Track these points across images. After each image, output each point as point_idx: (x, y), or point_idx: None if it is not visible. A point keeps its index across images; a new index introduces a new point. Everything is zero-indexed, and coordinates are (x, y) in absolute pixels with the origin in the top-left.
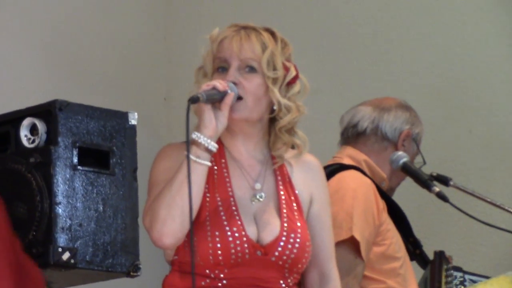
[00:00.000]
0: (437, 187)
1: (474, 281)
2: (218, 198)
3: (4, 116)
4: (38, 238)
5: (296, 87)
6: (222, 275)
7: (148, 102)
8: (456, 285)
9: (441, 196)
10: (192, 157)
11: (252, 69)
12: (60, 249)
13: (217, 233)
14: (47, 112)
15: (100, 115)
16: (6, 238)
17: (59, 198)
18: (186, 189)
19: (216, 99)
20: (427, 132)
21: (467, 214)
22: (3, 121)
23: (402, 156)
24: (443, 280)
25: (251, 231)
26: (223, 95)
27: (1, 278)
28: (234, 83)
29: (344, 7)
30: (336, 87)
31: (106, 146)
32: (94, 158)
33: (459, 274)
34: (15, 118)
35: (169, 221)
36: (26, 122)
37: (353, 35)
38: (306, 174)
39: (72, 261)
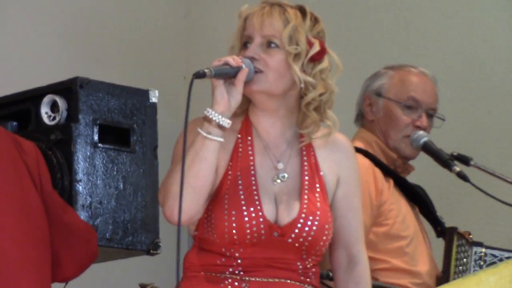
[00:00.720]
0: (458, 167)
1: (495, 256)
2: (240, 176)
3: (25, 93)
4: None
5: (323, 63)
6: (237, 254)
7: (168, 80)
8: (476, 260)
9: (461, 176)
10: (203, 133)
11: (274, 45)
12: None
13: (233, 212)
14: (68, 89)
15: (121, 92)
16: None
17: (80, 175)
18: (197, 166)
19: (229, 74)
20: (447, 112)
21: (488, 194)
22: (24, 98)
23: (422, 136)
24: (453, 256)
25: (269, 212)
26: (236, 70)
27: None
28: (254, 58)
29: None
30: (354, 69)
31: (126, 123)
32: (114, 135)
33: (479, 249)
34: (36, 95)
35: (182, 198)
36: (47, 99)
37: (373, 18)
38: (334, 155)
39: None
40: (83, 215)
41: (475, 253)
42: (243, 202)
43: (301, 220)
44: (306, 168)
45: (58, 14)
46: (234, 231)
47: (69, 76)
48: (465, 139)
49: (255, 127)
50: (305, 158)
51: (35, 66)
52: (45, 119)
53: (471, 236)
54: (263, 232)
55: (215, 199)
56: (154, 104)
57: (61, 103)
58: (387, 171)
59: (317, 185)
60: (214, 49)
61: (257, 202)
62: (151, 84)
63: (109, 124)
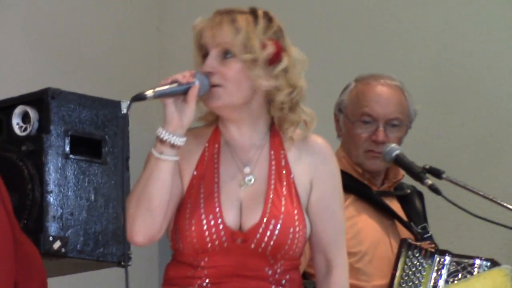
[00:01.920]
0: (430, 180)
1: (458, 263)
2: (202, 185)
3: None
4: (29, 226)
5: (283, 63)
6: (203, 263)
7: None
8: (438, 269)
9: (433, 189)
10: (155, 153)
11: (229, 55)
12: (51, 238)
13: (193, 221)
14: (40, 100)
15: (93, 103)
16: (10, 215)
17: (51, 186)
18: (151, 188)
19: (178, 91)
20: (419, 125)
21: (460, 207)
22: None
23: (394, 149)
24: (400, 267)
25: (232, 218)
26: (187, 87)
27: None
28: (211, 73)
29: (343, 1)
30: (330, 78)
31: (98, 135)
32: (86, 147)
33: (442, 258)
34: (7, 106)
35: (137, 220)
36: (18, 110)
37: (347, 27)
38: (308, 157)
39: (63, 250)
40: (54, 226)
41: (438, 261)
42: (202, 210)
43: (263, 225)
44: (273, 171)
45: (30, 25)
46: (195, 240)
47: (41, 87)
48: (438, 152)
49: (223, 135)
50: (273, 161)
51: (6, 77)
52: (17, 130)
53: (432, 246)
54: (224, 239)
55: (179, 209)
56: (126, 115)
57: (33, 114)
58: (347, 187)
59: (284, 189)
60: (187, 61)
61: (217, 209)
62: (123, 96)
63: (80, 135)
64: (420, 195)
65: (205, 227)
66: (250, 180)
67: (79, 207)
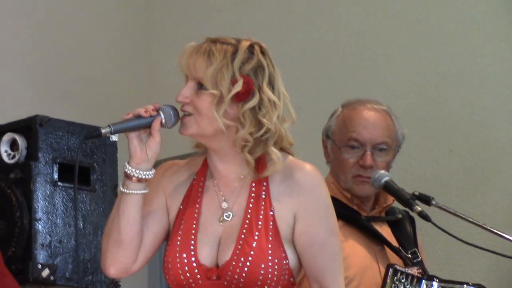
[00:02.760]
0: (419, 207)
1: None
2: (183, 221)
3: None
4: (18, 254)
5: (252, 101)
6: None
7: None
8: None
9: (423, 216)
10: (121, 188)
11: (203, 87)
12: (39, 266)
13: (169, 259)
14: (28, 127)
15: (81, 131)
16: None
17: (39, 214)
18: (118, 222)
19: (143, 125)
20: (408, 151)
21: (449, 234)
22: None
23: (384, 175)
24: None
25: (207, 255)
26: (151, 120)
27: None
28: (184, 102)
29: (325, 25)
30: (317, 104)
31: (86, 162)
32: (74, 174)
33: (430, 283)
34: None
35: (108, 253)
36: (6, 137)
37: (334, 53)
38: (292, 189)
39: (52, 278)
40: (42, 254)
41: (426, 286)
42: (177, 249)
43: (233, 262)
44: (250, 206)
45: (19, 51)
46: (172, 278)
47: (30, 114)
48: (427, 178)
49: (209, 168)
50: (253, 195)
51: None
52: (5, 158)
53: (419, 271)
54: (198, 276)
55: (166, 244)
56: (114, 143)
57: (21, 141)
58: (336, 213)
59: (260, 223)
60: (175, 86)
61: (192, 247)
62: (112, 122)
63: (69, 162)
64: (412, 220)
65: (179, 265)
66: (228, 216)
67: (68, 235)
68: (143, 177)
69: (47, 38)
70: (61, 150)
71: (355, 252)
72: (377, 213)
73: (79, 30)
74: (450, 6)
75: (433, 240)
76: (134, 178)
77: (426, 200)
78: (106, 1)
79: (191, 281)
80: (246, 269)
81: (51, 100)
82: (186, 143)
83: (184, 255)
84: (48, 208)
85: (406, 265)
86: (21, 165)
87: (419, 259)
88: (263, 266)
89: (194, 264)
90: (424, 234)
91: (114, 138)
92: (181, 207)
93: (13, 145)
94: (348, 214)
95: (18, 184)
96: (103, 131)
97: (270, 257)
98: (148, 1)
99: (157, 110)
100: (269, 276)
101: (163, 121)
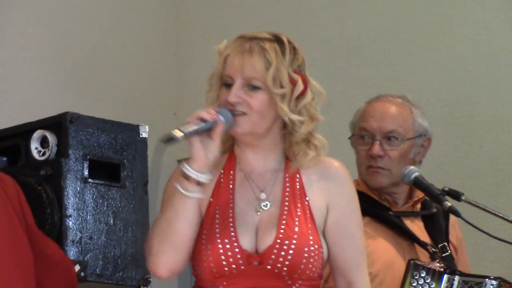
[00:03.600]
0: (449, 202)
1: (466, 282)
2: (218, 211)
3: (15, 129)
4: None
5: (307, 97)
6: (221, 287)
7: (158, 116)
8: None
9: (452, 211)
10: (181, 190)
11: (255, 87)
12: None
13: (209, 246)
14: (58, 124)
15: (111, 127)
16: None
17: (70, 211)
18: (176, 225)
19: (205, 128)
20: (438, 147)
21: (479, 229)
22: (14, 133)
23: (413, 171)
24: (406, 287)
25: (247, 241)
26: (212, 124)
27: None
28: (236, 102)
29: (354, 22)
30: (348, 101)
31: (116, 159)
32: (104, 170)
33: (452, 277)
34: (26, 130)
35: (161, 254)
36: (37, 134)
37: (364, 50)
38: (324, 181)
39: (82, 274)
40: (73, 250)
41: (447, 281)
42: (217, 235)
43: (277, 246)
44: (287, 194)
45: (48, 50)
46: (212, 265)
47: (59, 111)
48: (456, 174)
49: (238, 161)
50: (287, 185)
51: (25, 102)
52: (35, 155)
53: (441, 265)
54: (240, 262)
55: (197, 237)
56: (144, 139)
57: (51, 138)
58: (363, 209)
59: (298, 210)
60: (203, 86)
61: (232, 234)
62: (141, 120)
63: (99, 159)
64: (447, 214)
65: (221, 251)
66: (266, 205)
67: (98, 231)
68: (204, 181)
69: (77, 36)
70: (92, 147)
71: (381, 248)
72: (409, 207)
73: (109, 28)
74: (479, 4)
75: (463, 235)
76: (194, 180)
77: (455, 195)
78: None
79: (233, 266)
80: (291, 251)
81: (81, 97)
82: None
83: (226, 241)
84: (79, 204)
85: (433, 259)
86: (51, 162)
87: (448, 253)
88: (306, 249)
89: (237, 250)
90: None
91: (144, 134)
92: (211, 199)
93: (44, 142)
94: (375, 210)
95: (48, 181)
96: (178, 136)
97: (311, 242)
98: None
99: (217, 113)
100: (311, 260)
101: (225, 124)
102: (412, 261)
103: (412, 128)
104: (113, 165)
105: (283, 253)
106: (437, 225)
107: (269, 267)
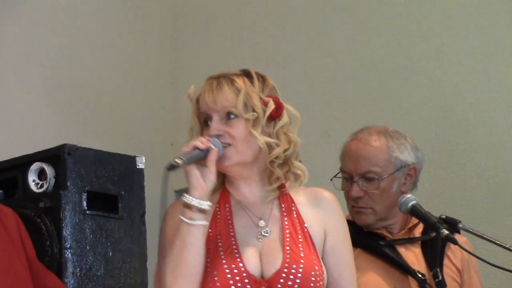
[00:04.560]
0: (446, 230)
1: None
2: (219, 239)
3: (12, 161)
4: None
5: (283, 119)
6: None
7: (155, 147)
8: None
9: (450, 239)
10: (186, 220)
11: (232, 116)
12: None
13: (215, 272)
14: (56, 156)
15: (109, 159)
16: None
17: (69, 243)
18: (186, 255)
19: (200, 157)
20: (435, 176)
21: (477, 257)
22: (11, 166)
23: (410, 199)
24: None
25: (253, 267)
26: (206, 152)
27: None
28: (218, 135)
29: (350, 51)
30: (345, 129)
31: (114, 190)
32: (102, 202)
33: None
34: (23, 163)
35: (176, 286)
36: (35, 167)
37: (360, 78)
38: (318, 210)
39: None
40: (72, 282)
41: None
42: (224, 261)
43: (285, 270)
44: (286, 222)
45: (44, 81)
46: None
47: (56, 143)
48: (454, 202)
49: (233, 195)
50: (285, 213)
51: (22, 134)
52: (33, 187)
53: None
54: (248, 287)
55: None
56: (141, 170)
57: (49, 170)
58: (354, 240)
59: (300, 237)
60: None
61: (238, 259)
62: (138, 151)
63: (97, 190)
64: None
65: (228, 275)
66: (267, 232)
67: (97, 263)
68: (205, 207)
69: (74, 68)
70: (90, 178)
71: (371, 281)
72: (405, 234)
73: (107, 59)
74: (473, 32)
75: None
76: (196, 209)
77: (453, 223)
78: (131, 30)
79: None
80: (299, 275)
81: (78, 129)
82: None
83: (233, 266)
84: (78, 236)
85: (422, 287)
86: (49, 194)
87: (439, 279)
88: (312, 273)
89: (245, 274)
90: None
91: (140, 165)
92: (210, 231)
93: (41, 174)
94: (366, 241)
95: (47, 213)
96: (179, 162)
97: (316, 267)
98: (174, 30)
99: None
100: (318, 285)
101: (219, 152)
102: (425, 281)
103: (389, 164)
104: (111, 197)
105: (291, 276)
106: (434, 250)
107: None
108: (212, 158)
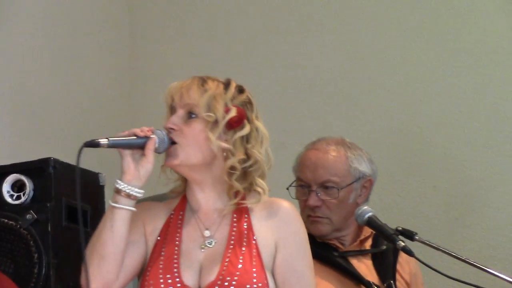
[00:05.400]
0: (403, 242)
1: None
2: (163, 249)
3: None
4: None
5: (244, 130)
6: None
7: (115, 163)
8: None
9: (406, 251)
10: (111, 203)
11: (193, 115)
12: None
13: (151, 281)
14: (37, 169)
15: (82, 174)
16: None
17: (56, 255)
18: (104, 236)
19: (135, 144)
20: (392, 187)
21: (432, 268)
22: None
23: (367, 211)
24: None
25: (190, 278)
26: (145, 140)
27: None
28: (172, 129)
29: (308, 60)
30: (301, 140)
31: (85, 206)
32: (75, 215)
33: None
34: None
35: (91, 267)
36: (11, 178)
37: (318, 90)
38: (271, 221)
39: None
40: None
41: None
42: (160, 271)
43: (219, 282)
44: (233, 233)
45: (4, 94)
46: None
47: (15, 157)
48: (410, 214)
49: (189, 201)
50: (235, 224)
51: None
52: (7, 198)
53: None
54: None
55: (142, 274)
56: (102, 187)
57: (28, 183)
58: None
59: (243, 249)
60: (158, 126)
61: (175, 270)
62: (97, 166)
63: (72, 205)
64: (396, 251)
65: (162, 285)
66: (211, 243)
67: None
68: (134, 193)
69: (32, 79)
70: (67, 193)
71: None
72: (357, 246)
73: (62, 71)
74: (432, 44)
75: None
76: (124, 193)
77: (409, 235)
78: (90, 41)
79: None
80: (232, 287)
81: (35, 142)
82: (161, 185)
83: (168, 276)
84: (63, 248)
85: None
86: (35, 207)
87: None
88: (248, 287)
89: (179, 285)
90: None
91: (102, 182)
92: (159, 238)
93: (15, 186)
94: (321, 252)
95: (34, 225)
96: (101, 141)
97: (254, 280)
98: (132, 41)
99: (152, 132)
100: None
101: (157, 142)
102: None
103: (348, 174)
104: (83, 212)
105: None
106: (385, 263)
107: None
108: (149, 146)
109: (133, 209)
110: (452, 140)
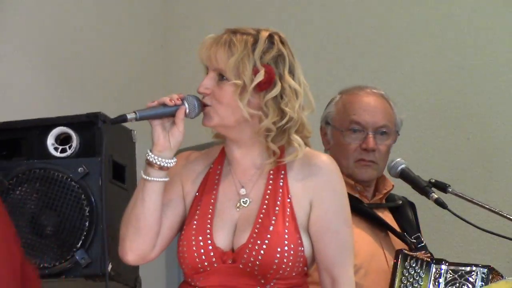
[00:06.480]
0: (436, 194)
1: (455, 271)
2: (199, 206)
3: (33, 122)
4: (85, 248)
5: (274, 90)
6: (198, 283)
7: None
8: (435, 278)
9: (439, 203)
10: (142, 175)
11: (224, 78)
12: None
13: (185, 242)
14: (87, 123)
15: (117, 131)
16: (11, 242)
17: (103, 207)
18: (138, 209)
19: (165, 114)
20: (425, 140)
21: (466, 221)
22: (31, 126)
23: (400, 163)
24: (398, 277)
25: (222, 239)
26: (175, 109)
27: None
28: (205, 93)
29: (343, 15)
30: (335, 93)
31: (123, 161)
32: (118, 172)
33: (439, 267)
34: (41, 125)
35: (126, 239)
36: (56, 131)
37: (352, 45)
38: (309, 178)
39: (113, 273)
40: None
41: (435, 271)
42: (193, 232)
43: (250, 245)
44: (268, 192)
45: (36, 50)
46: (187, 261)
47: (51, 110)
48: (443, 166)
49: (227, 156)
50: (270, 182)
51: (17, 101)
52: (52, 151)
53: (427, 255)
54: (213, 260)
55: (181, 231)
56: (133, 144)
57: (75, 136)
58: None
59: (277, 209)
60: (191, 80)
61: (208, 231)
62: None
63: (117, 160)
64: (412, 206)
65: (194, 248)
66: (246, 202)
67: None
68: (165, 165)
69: (63, 32)
70: (114, 148)
71: (361, 239)
72: (378, 200)
73: (97, 25)
74: None
75: (450, 227)
76: (156, 165)
77: (442, 187)
78: None
79: (206, 264)
80: (262, 251)
81: (68, 96)
82: (206, 133)
83: (200, 238)
84: (112, 202)
85: (411, 250)
86: (85, 161)
87: (423, 244)
88: (279, 250)
89: (210, 247)
90: (441, 221)
91: (134, 139)
92: (197, 193)
93: (58, 139)
94: (352, 202)
95: (84, 179)
96: (128, 116)
97: (286, 242)
98: None
99: (182, 100)
100: (284, 260)
101: (187, 110)
102: (402, 251)
103: (395, 123)
104: (121, 167)
105: (254, 252)
106: (406, 217)
107: (241, 266)
108: (180, 115)
109: (166, 179)
110: (485, 92)
